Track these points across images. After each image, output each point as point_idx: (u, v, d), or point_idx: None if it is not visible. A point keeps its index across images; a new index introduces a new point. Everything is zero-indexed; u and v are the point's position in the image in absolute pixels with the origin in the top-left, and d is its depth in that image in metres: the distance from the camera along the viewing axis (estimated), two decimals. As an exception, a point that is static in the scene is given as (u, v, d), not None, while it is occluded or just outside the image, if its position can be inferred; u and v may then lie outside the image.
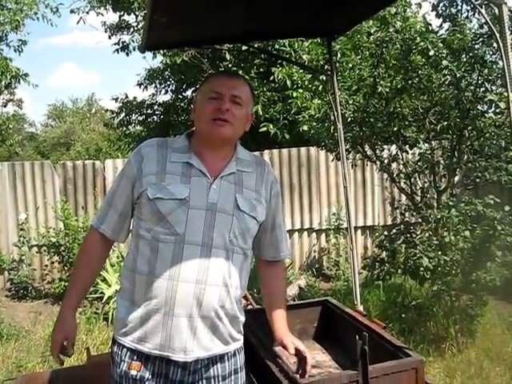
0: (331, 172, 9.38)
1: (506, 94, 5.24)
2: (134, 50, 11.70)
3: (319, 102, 8.79)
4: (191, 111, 2.40)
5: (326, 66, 6.52)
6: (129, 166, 2.29)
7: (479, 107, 5.45)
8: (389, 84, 5.71)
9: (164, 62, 12.71)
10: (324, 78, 5.23)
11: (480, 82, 5.36)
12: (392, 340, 2.64)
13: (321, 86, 6.36)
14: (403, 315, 6.03)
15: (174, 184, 2.20)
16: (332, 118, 4.98)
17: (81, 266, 2.36)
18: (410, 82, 5.59)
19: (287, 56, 9.16)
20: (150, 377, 2.16)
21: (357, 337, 2.28)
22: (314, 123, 6.68)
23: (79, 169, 9.18)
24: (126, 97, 13.17)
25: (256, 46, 4.72)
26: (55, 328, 2.29)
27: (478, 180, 5.82)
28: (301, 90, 9.93)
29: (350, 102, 5.86)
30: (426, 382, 2.42)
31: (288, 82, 9.92)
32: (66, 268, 8.32)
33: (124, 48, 11.84)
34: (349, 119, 5.82)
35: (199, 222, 2.17)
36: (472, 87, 5.40)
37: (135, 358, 2.18)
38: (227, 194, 2.24)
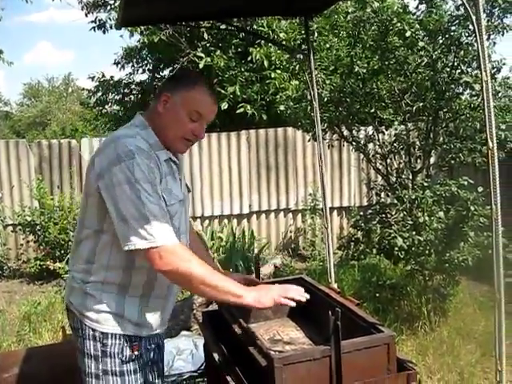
0: (308, 153, 9.43)
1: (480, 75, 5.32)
2: (111, 28, 11.55)
3: (297, 83, 8.81)
4: (159, 100, 2.38)
5: (303, 46, 6.50)
6: (152, 173, 2.22)
7: (454, 89, 5.48)
8: (365, 65, 5.71)
9: (141, 40, 12.55)
10: (301, 57, 5.22)
11: (456, 63, 5.39)
12: (365, 316, 2.66)
13: (298, 66, 6.33)
14: (377, 294, 6.10)
15: (172, 185, 2.34)
16: (309, 97, 4.98)
17: (197, 266, 2.19)
18: (386, 63, 5.61)
19: (265, 36, 9.14)
20: (143, 351, 2.41)
21: (330, 313, 2.30)
22: (291, 103, 6.67)
23: (55, 148, 9.12)
24: (103, 76, 13.01)
25: (234, 25, 4.69)
26: (272, 291, 2.36)
27: (452, 161, 5.88)
28: (279, 71, 9.93)
29: (327, 82, 5.86)
30: (397, 357, 2.45)
31: (266, 63, 9.92)
32: (41, 247, 8.28)
33: (101, 26, 11.69)
34: (325, 99, 5.83)
35: (183, 214, 2.46)
36: (448, 69, 5.43)
37: (133, 340, 2.35)
38: (182, 182, 2.50)
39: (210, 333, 3.08)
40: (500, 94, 5.79)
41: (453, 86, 5.47)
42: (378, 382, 2.34)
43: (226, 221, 9.30)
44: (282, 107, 7.09)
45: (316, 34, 7.29)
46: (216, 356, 2.76)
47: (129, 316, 2.34)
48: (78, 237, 2.40)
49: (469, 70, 5.49)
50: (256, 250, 8.52)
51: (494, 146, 2.11)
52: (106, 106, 13.95)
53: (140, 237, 2.12)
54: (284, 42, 8.70)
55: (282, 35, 9.44)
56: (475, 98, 5.67)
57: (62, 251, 8.04)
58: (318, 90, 5.44)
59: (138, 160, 2.17)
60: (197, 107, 2.35)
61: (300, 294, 2.44)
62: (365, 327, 2.56)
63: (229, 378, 2.52)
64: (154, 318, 2.42)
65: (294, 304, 2.40)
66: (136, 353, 2.36)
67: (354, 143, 6.34)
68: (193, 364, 3.90)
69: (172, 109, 2.35)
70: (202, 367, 3.68)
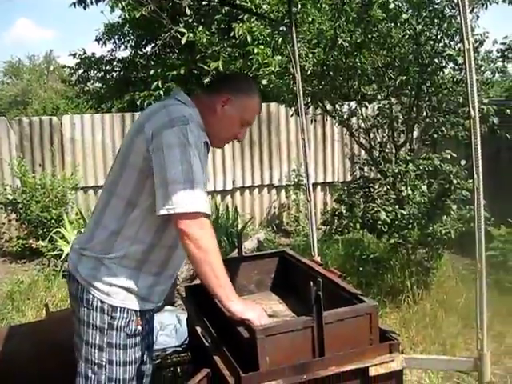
0: (291, 128, 9.40)
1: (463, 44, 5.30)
2: (92, 3, 11.37)
3: (280, 58, 8.74)
4: (218, 99, 2.42)
5: (285, 19, 6.44)
6: (200, 143, 2.27)
7: (438, 62, 5.46)
8: (348, 38, 5.67)
9: (123, 16, 12.41)
10: (284, 29, 5.17)
11: (439, 36, 5.36)
12: (347, 287, 2.67)
13: (281, 40, 6.27)
14: (361, 269, 6.13)
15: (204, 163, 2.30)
16: (292, 71, 4.94)
17: (217, 252, 2.25)
18: (369, 36, 5.56)
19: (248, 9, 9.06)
20: (144, 325, 2.43)
21: (311, 284, 2.30)
22: (274, 78, 6.62)
23: (36, 125, 9.01)
24: (84, 52, 12.84)
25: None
26: (255, 311, 2.33)
27: (435, 135, 5.87)
28: (262, 46, 9.86)
29: (310, 55, 5.81)
30: (380, 327, 2.46)
31: (249, 38, 9.84)
32: (23, 226, 8.21)
33: (81, 1, 11.50)
34: (308, 72, 5.78)
35: None
36: (431, 42, 5.41)
37: (138, 315, 2.38)
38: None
39: (193, 307, 3.07)
40: (483, 68, 5.77)
41: (436, 59, 5.45)
42: (360, 353, 2.34)
43: (209, 197, 9.23)
44: (264, 81, 7.05)
45: (299, 6, 7.23)
46: (199, 329, 2.76)
47: (139, 291, 2.36)
48: (104, 206, 2.39)
49: (452, 43, 5.47)
50: (240, 226, 8.51)
51: (476, 116, 2.10)
52: (88, 84, 13.79)
53: (184, 200, 2.12)
54: (267, 14, 8.60)
55: (264, 7, 9.35)
56: (458, 71, 5.65)
57: (45, 229, 7.96)
58: (300, 63, 5.41)
59: (192, 126, 2.22)
60: (251, 116, 2.51)
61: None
62: (347, 298, 2.57)
63: (212, 351, 2.52)
64: (159, 294, 2.48)
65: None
66: (139, 327, 2.39)
67: (337, 117, 6.31)
68: (176, 339, 3.89)
69: (229, 112, 2.43)
70: (186, 342, 3.67)
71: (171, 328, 3.97)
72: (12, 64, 37.10)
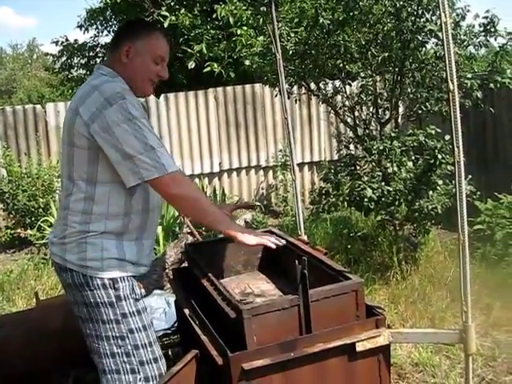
0: (277, 109, 9.37)
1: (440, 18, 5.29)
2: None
3: (263, 38, 8.70)
4: (121, 50, 2.47)
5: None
6: (141, 109, 2.35)
7: (420, 37, 5.44)
8: (330, 16, 5.63)
9: (104, 1, 12.31)
10: (265, 9, 5.13)
11: (420, 11, 5.33)
12: (333, 265, 2.68)
13: (262, 20, 6.22)
14: (349, 246, 6.14)
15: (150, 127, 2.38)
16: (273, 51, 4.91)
17: (202, 195, 2.53)
18: (351, 13, 5.53)
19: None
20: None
21: (296, 263, 2.31)
22: (256, 58, 6.59)
23: (19, 114, 8.94)
24: (67, 39, 12.77)
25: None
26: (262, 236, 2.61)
27: (420, 111, 5.85)
28: (245, 28, 9.81)
29: (292, 35, 5.77)
30: (366, 303, 2.47)
31: (231, 20, 9.78)
32: (11, 216, 8.18)
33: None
34: (290, 52, 5.74)
35: None
36: (412, 18, 5.37)
37: (137, 279, 2.49)
38: None
39: (181, 289, 3.09)
40: (465, 43, 5.76)
41: (418, 35, 5.42)
42: (346, 329, 2.36)
43: (196, 180, 9.25)
44: (246, 62, 7.01)
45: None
46: (187, 311, 2.77)
47: (129, 258, 2.42)
48: (68, 192, 2.42)
49: (434, 18, 5.44)
50: (228, 209, 8.47)
51: (454, 89, 2.09)
52: (72, 71, 13.69)
53: (152, 167, 2.24)
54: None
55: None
56: (441, 47, 5.62)
57: (33, 218, 7.95)
58: (282, 43, 5.39)
59: (129, 99, 2.28)
60: (161, 52, 2.52)
61: (280, 240, 2.62)
62: (333, 275, 2.57)
63: (200, 332, 2.53)
64: (146, 257, 2.54)
65: (274, 246, 2.56)
66: (143, 290, 2.53)
67: (320, 96, 6.29)
68: (166, 322, 3.90)
69: (136, 57, 2.47)
70: (176, 325, 3.69)
71: (161, 311, 3.98)
72: (-6, 53, 36.79)
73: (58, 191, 8.31)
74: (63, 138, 2.44)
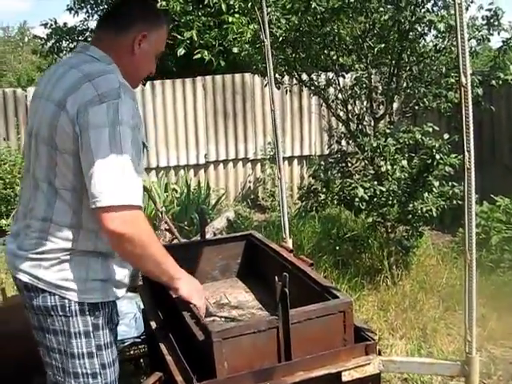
0: (267, 99, 9.04)
1: (446, 15, 4.99)
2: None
3: (256, 27, 8.43)
4: (135, 38, 2.09)
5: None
6: (137, 117, 1.97)
7: (419, 29, 5.17)
8: (325, 3, 5.33)
9: (95, -16, 12.01)
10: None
11: (420, 0, 5.06)
12: (318, 279, 2.38)
13: (250, 4, 5.91)
14: (338, 247, 5.90)
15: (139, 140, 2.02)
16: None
17: (154, 240, 2.04)
18: (347, 1, 5.23)
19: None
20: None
21: (276, 278, 2.01)
22: (246, 46, 6.29)
23: (-2, 97, 8.60)
24: (56, 22, 12.42)
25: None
26: (197, 293, 2.23)
27: (416, 107, 5.63)
28: (237, 15, 9.55)
29: (283, 21, 5.46)
30: (355, 325, 2.18)
31: (223, 7, 9.56)
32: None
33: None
34: (280, 39, 5.44)
35: None
36: (412, 7, 5.09)
37: (115, 305, 2.17)
38: None
39: (149, 297, 2.79)
40: (468, 36, 5.48)
41: (417, 25, 5.15)
42: (332, 355, 2.07)
43: (182, 171, 8.95)
44: (235, 49, 6.74)
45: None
46: (153, 325, 2.47)
47: (114, 279, 2.10)
48: (48, 201, 2.01)
49: (435, 8, 5.18)
50: (213, 202, 8.21)
51: (467, 83, 1.78)
52: (61, 54, 13.36)
53: (110, 191, 1.82)
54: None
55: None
56: (441, 39, 5.36)
57: (9, 207, 7.66)
58: (272, 29, 5.09)
59: (124, 99, 1.90)
60: (163, 47, 2.24)
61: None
62: (318, 291, 2.28)
63: (165, 352, 2.23)
64: (126, 278, 2.19)
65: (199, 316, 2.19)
66: (118, 317, 2.24)
67: (312, 87, 6.00)
68: (136, 329, 3.58)
69: (146, 48, 2.13)
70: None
71: (130, 317, 3.65)
72: (-15, 35, 36.44)
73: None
74: (38, 132, 2.04)
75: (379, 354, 2.15)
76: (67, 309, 1.99)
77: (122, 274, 2.12)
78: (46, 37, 12.60)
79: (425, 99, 5.45)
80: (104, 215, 1.82)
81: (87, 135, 1.84)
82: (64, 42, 12.75)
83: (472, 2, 5.27)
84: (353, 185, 4.92)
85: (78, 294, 1.99)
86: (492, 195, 6.09)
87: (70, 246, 1.99)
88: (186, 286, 2.17)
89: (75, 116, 1.88)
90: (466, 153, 1.78)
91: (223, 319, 2.54)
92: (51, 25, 12.32)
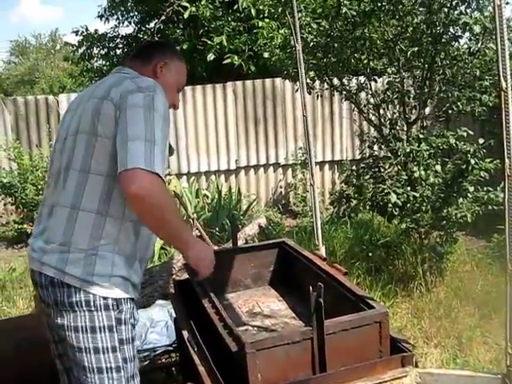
0: (297, 104, 9.01)
1: (481, 17, 4.89)
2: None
3: (287, 31, 8.39)
4: (156, 64, 2.35)
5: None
6: (167, 110, 2.15)
7: (452, 31, 5.08)
8: (356, 7, 5.26)
9: (126, -9, 12.11)
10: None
11: (454, 2, 4.96)
12: (353, 288, 2.33)
13: (281, 9, 5.85)
14: (371, 253, 5.80)
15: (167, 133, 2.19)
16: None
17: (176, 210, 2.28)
18: (378, 4, 5.16)
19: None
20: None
21: (311, 288, 1.96)
22: (277, 50, 6.25)
23: (31, 104, 8.73)
24: (87, 29, 12.54)
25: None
26: (207, 253, 2.34)
27: (450, 111, 5.51)
28: (267, 20, 9.53)
29: (314, 25, 5.40)
30: (391, 335, 2.12)
31: (253, 11, 9.56)
32: (19, 210, 7.93)
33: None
34: (311, 44, 5.38)
35: None
36: (445, 9, 5.00)
37: (135, 303, 2.21)
38: None
39: (181, 306, 2.76)
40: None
41: (451, 28, 5.06)
42: (367, 367, 2.01)
43: (213, 177, 8.95)
44: (265, 54, 6.70)
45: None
46: (185, 334, 2.44)
47: (132, 278, 2.15)
48: (80, 185, 2.08)
49: (468, 10, 5.07)
50: (244, 207, 8.18)
51: (508, 87, 1.72)
52: (92, 61, 13.50)
53: (140, 157, 1.92)
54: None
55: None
56: (475, 41, 5.26)
57: (41, 212, 7.66)
58: (303, 34, 5.05)
59: (159, 94, 2.10)
60: (184, 80, 2.49)
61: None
62: (353, 301, 2.23)
63: (198, 362, 2.20)
64: (140, 279, 2.25)
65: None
66: (138, 315, 2.27)
67: (344, 92, 5.93)
68: (168, 337, 3.55)
69: (167, 76, 2.37)
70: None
71: (162, 325, 3.63)
72: (19, 43, 36.96)
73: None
74: (80, 128, 2.14)
75: (416, 365, 2.10)
76: (92, 303, 2.02)
77: (138, 274, 2.20)
78: (77, 44, 12.74)
79: (458, 103, 5.34)
80: (129, 175, 1.90)
81: (124, 113, 2.00)
82: (95, 48, 12.93)
83: (507, 4, 5.15)
84: (385, 190, 4.85)
85: (103, 288, 2.04)
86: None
87: (96, 238, 2.05)
88: (197, 254, 2.24)
89: (118, 102, 2.04)
90: (507, 159, 1.72)
91: (256, 329, 2.51)
92: (82, 32, 12.46)
